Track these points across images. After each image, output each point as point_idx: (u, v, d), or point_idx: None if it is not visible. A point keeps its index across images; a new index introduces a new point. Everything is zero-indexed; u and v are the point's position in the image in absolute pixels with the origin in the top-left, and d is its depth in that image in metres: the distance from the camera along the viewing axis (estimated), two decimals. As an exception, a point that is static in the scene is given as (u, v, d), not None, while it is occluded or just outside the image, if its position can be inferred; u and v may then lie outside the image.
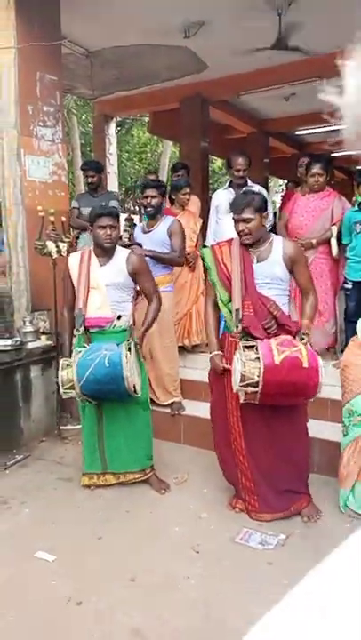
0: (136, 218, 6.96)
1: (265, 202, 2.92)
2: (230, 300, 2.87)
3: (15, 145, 4.39)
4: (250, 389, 2.65)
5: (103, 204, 3.81)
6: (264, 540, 2.74)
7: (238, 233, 2.90)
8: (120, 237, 3.47)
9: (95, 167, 5.23)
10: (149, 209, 3.88)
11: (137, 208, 19.87)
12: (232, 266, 2.88)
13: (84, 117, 16.57)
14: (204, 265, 5.06)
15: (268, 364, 2.59)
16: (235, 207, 2.90)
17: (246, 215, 2.84)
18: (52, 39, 4.67)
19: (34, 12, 4.44)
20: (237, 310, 2.80)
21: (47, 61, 4.61)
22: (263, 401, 2.71)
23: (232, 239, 2.98)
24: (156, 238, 3.90)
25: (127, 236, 4.36)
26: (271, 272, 2.86)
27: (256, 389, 2.64)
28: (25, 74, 4.37)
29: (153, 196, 3.84)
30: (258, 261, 2.89)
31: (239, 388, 2.67)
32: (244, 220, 2.84)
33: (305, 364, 2.61)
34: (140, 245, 3.82)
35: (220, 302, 2.97)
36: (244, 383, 2.64)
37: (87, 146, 16.70)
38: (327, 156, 4.60)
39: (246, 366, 2.62)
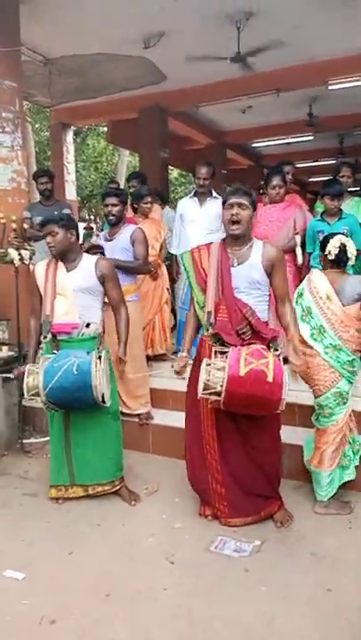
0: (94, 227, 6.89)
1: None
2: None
3: (-26, 151, 4.28)
4: (213, 397, 2.65)
5: (56, 212, 3.73)
6: (239, 548, 2.73)
7: (229, 220, 2.76)
8: (81, 245, 3.40)
9: (49, 174, 5.19)
10: (111, 217, 3.88)
11: (92, 217, 19.73)
12: (209, 268, 2.83)
13: (38, 126, 16.34)
14: (169, 273, 5.11)
15: (232, 374, 2.56)
16: (233, 191, 2.77)
17: (243, 201, 2.72)
18: (11, 45, 4.59)
19: (-7, 17, 4.38)
20: (209, 313, 2.78)
21: (6, 67, 4.53)
22: (227, 408, 2.71)
23: (212, 242, 2.94)
24: (118, 246, 3.87)
25: (86, 246, 4.30)
26: (249, 275, 2.79)
27: (219, 398, 2.63)
28: (-17, 79, 4.29)
29: (114, 205, 3.83)
30: (237, 264, 2.81)
31: (202, 395, 2.67)
32: (240, 205, 2.72)
33: (269, 379, 2.56)
34: (102, 253, 3.77)
35: (196, 305, 2.93)
36: (208, 391, 2.63)
37: (41, 154, 16.46)
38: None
39: (211, 375, 2.62)
